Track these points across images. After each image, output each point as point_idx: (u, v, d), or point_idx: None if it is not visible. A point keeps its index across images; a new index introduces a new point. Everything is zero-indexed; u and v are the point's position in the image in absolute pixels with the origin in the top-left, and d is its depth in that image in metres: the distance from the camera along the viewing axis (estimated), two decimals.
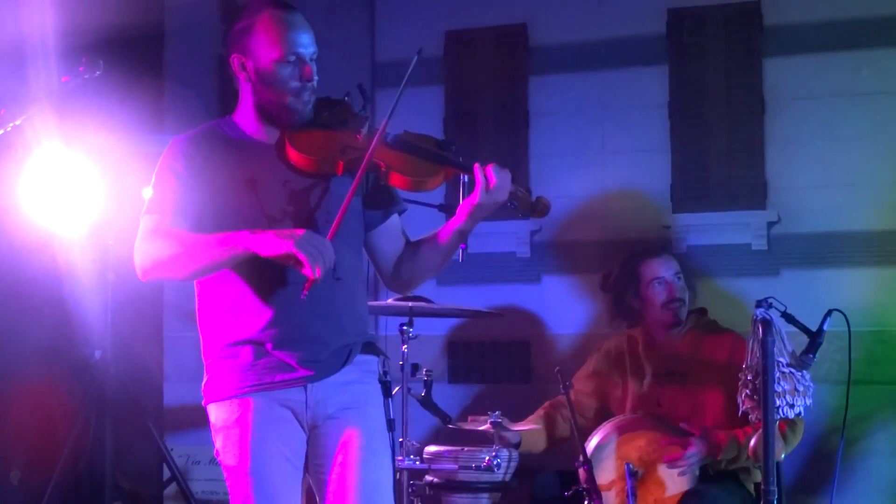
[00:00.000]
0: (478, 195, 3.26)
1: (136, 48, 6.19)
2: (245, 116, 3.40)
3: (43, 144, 5.11)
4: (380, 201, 3.47)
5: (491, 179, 3.25)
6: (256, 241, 3.11)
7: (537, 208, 3.37)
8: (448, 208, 3.45)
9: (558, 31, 6.23)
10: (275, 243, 3.09)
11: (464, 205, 3.32)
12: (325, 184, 3.33)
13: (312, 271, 3.05)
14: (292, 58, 3.29)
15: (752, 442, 4.11)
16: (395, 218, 3.52)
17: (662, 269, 5.02)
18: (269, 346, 3.27)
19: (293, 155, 3.28)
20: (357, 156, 3.26)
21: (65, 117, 5.04)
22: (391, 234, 3.51)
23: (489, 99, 6.34)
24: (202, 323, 3.40)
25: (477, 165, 3.28)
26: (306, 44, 3.32)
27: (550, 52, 6.25)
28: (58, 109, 4.83)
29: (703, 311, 5.13)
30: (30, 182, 5.21)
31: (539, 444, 5.03)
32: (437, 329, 6.20)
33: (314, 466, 3.34)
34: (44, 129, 5.03)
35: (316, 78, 3.34)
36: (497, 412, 4.71)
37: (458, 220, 3.34)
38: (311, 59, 3.33)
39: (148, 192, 3.30)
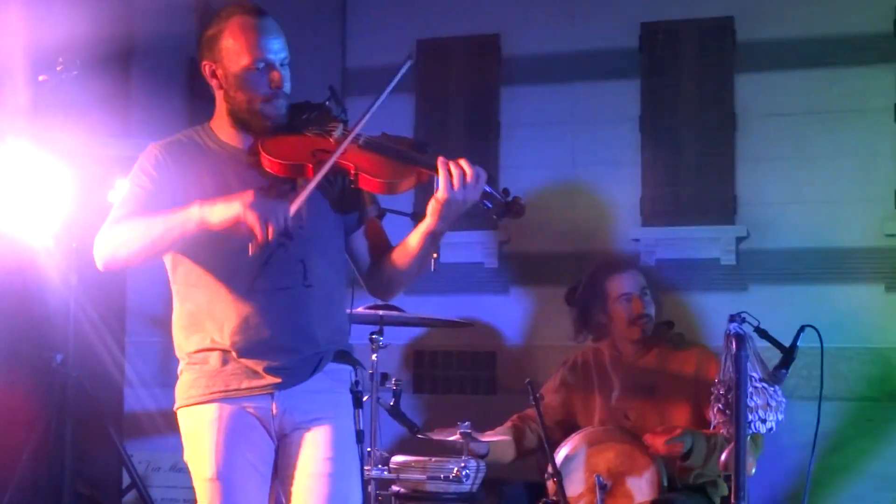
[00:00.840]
0: (443, 191, 3.18)
1: (104, 52, 6.13)
2: (220, 122, 3.39)
3: (9, 146, 5.05)
4: (354, 204, 3.42)
5: (456, 174, 3.17)
6: (207, 213, 3.07)
7: (513, 209, 3.28)
8: (419, 216, 3.39)
9: (531, 42, 6.24)
10: (223, 211, 3.05)
11: (432, 203, 3.24)
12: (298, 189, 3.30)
13: (262, 234, 3.00)
14: (261, 64, 3.26)
15: (724, 456, 4.11)
16: (374, 221, 3.48)
17: (629, 285, 5.00)
18: (236, 352, 3.23)
19: (265, 159, 3.25)
20: (327, 159, 3.23)
21: (32, 120, 4.99)
22: (369, 238, 3.47)
23: (460, 108, 6.34)
24: (174, 328, 3.36)
25: (441, 159, 3.20)
26: (276, 49, 3.29)
27: (523, 64, 6.25)
28: (25, 111, 4.79)
29: (669, 325, 5.12)
30: None
31: (507, 455, 5.01)
32: (402, 339, 6.18)
33: (283, 476, 3.31)
34: (10, 130, 4.98)
35: (288, 84, 3.31)
36: (467, 422, 4.69)
37: (428, 220, 3.28)
38: (281, 65, 3.29)
39: (116, 195, 3.27)
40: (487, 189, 3.24)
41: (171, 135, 3.42)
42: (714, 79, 5.94)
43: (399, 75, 3.30)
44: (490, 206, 3.27)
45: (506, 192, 3.29)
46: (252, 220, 2.99)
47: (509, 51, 6.29)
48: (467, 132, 6.30)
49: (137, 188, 3.28)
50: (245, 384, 3.23)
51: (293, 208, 3.09)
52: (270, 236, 3.01)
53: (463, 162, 3.21)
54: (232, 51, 3.26)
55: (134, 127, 6.65)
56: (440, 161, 3.20)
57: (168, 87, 6.67)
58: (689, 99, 5.97)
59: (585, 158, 6.11)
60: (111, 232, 3.21)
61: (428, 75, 6.35)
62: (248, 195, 3.04)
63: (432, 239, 3.31)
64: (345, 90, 6.33)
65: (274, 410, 3.26)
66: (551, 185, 6.11)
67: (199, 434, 3.26)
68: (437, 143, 6.12)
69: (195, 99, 6.53)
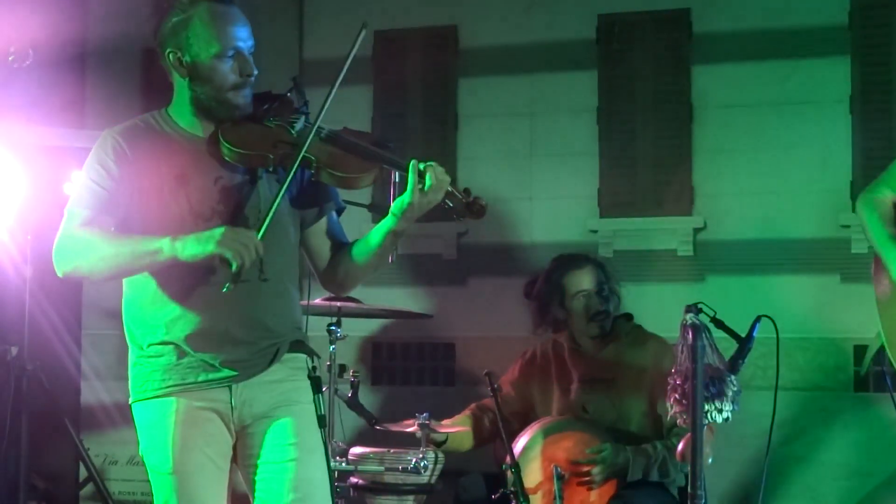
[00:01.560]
0: (411, 194, 3.18)
1: (59, 43, 6.08)
2: (180, 110, 3.34)
3: None
4: (313, 199, 3.40)
5: (426, 179, 3.16)
6: (179, 248, 3.06)
7: (473, 209, 3.25)
8: (376, 207, 3.38)
9: (489, 33, 6.25)
10: (197, 247, 3.04)
11: (398, 203, 3.21)
12: (257, 180, 3.27)
13: (239, 269, 3.00)
14: (231, 52, 3.22)
15: (680, 446, 4.13)
16: (331, 217, 3.46)
17: (585, 282, 4.99)
18: (191, 346, 3.21)
19: (225, 149, 3.23)
20: (288, 150, 3.20)
21: None
22: (327, 233, 3.45)
23: (418, 100, 6.34)
24: (127, 321, 3.33)
25: (413, 163, 3.18)
26: (245, 38, 3.26)
27: (480, 55, 6.26)
28: None
29: (628, 317, 5.12)
30: None
31: (465, 444, 5.01)
32: (360, 330, 6.17)
33: (246, 466, 3.29)
34: None
35: (255, 72, 3.29)
36: (425, 413, 4.69)
37: (392, 219, 3.25)
38: (249, 53, 3.28)
39: (71, 187, 3.23)
40: (449, 188, 3.22)
41: None
42: (671, 70, 5.97)
43: (356, 45, 3.30)
44: (451, 205, 3.25)
45: (467, 191, 3.27)
46: (230, 256, 3.00)
47: (467, 42, 6.29)
48: (425, 124, 6.30)
49: (95, 185, 3.23)
50: (202, 377, 3.21)
51: (262, 233, 3.09)
52: (246, 266, 3.02)
53: (433, 164, 3.20)
54: (201, 39, 3.21)
55: (89, 118, 6.61)
56: (412, 164, 3.18)
57: (123, 79, 6.63)
58: (647, 90, 6.00)
59: (543, 149, 6.13)
60: (73, 243, 3.18)
61: (385, 67, 6.34)
62: (218, 232, 3.04)
63: (394, 237, 3.29)
64: (302, 81, 6.29)
65: (232, 403, 3.23)
66: (509, 176, 6.12)
67: (155, 428, 3.23)
68: (395, 135, 6.18)
69: (150, 90, 6.50)
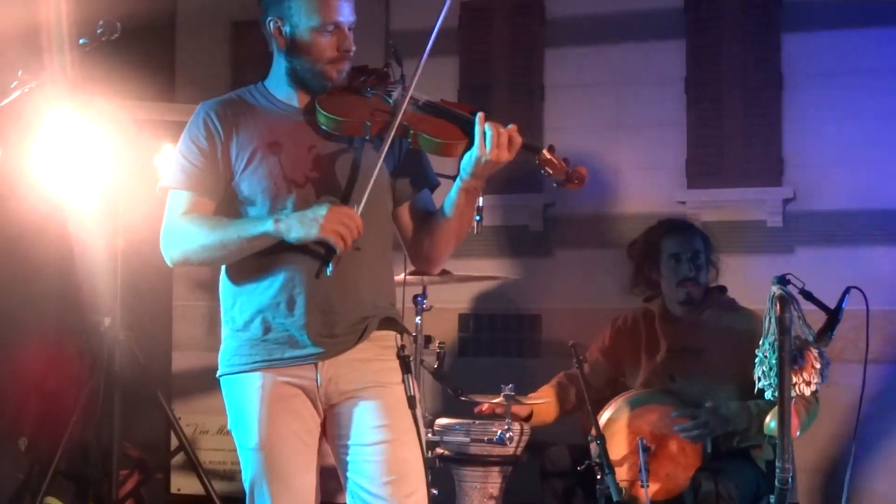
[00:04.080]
0: (477, 148, 3.14)
1: (147, 15, 6.15)
2: (277, 81, 3.36)
3: (54, 111, 5.07)
4: (410, 174, 3.40)
5: (487, 132, 3.13)
6: (284, 231, 3.10)
7: (573, 178, 3.24)
8: None
9: (575, 3, 6.21)
10: (301, 231, 3.08)
11: (465, 159, 3.20)
12: (352, 150, 3.28)
13: (343, 248, 3.06)
14: (331, 27, 3.23)
15: (767, 419, 4.10)
16: (425, 193, 3.45)
17: (679, 246, 4.97)
18: (279, 320, 3.22)
19: (321, 117, 3.23)
20: (385, 118, 3.21)
21: (77, 84, 5.01)
22: (419, 209, 3.44)
23: (504, 71, 6.32)
24: (221, 288, 3.36)
25: (480, 116, 3.17)
26: (347, 13, 3.25)
27: (567, 25, 6.22)
28: (70, 76, 4.80)
29: (722, 290, 5.09)
30: (41, 149, 5.17)
31: (550, 416, 5.02)
32: (448, 302, 6.18)
33: (336, 446, 3.29)
34: (55, 95, 4.99)
35: (354, 48, 3.28)
36: (510, 385, 4.69)
37: (461, 176, 3.23)
38: (350, 29, 3.27)
39: (161, 160, 3.25)
40: (547, 156, 3.23)
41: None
42: (760, 38, 5.89)
43: (444, 8, 3.29)
44: (550, 172, 3.25)
45: (566, 160, 3.25)
46: (334, 240, 3.05)
47: (553, 12, 6.26)
48: (511, 94, 6.28)
49: (186, 162, 3.28)
50: (287, 353, 3.22)
51: (361, 208, 3.12)
52: (349, 247, 3.07)
53: (500, 126, 3.18)
54: (303, 10, 3.22)
55: (178, 92, 6.69)
56: (479, 117, 3.18)
57: (212, 52, 6.69)
58: (735, 59, 5.92)
59: (630, 120, 6.09)
60: (179, 234, 3.23)
61: (472, 38, 6.33)
62: (321, 214, 3.07)
63: (466, 196, 3.26)
64: (389, 52, 6.30)
65: (319, 380, 3.24)
66: (595, 147, 6.08)
67: (243, 404, 3.25)
68: (481, 106, 6.12)
69: (239, 62, 6.55)
